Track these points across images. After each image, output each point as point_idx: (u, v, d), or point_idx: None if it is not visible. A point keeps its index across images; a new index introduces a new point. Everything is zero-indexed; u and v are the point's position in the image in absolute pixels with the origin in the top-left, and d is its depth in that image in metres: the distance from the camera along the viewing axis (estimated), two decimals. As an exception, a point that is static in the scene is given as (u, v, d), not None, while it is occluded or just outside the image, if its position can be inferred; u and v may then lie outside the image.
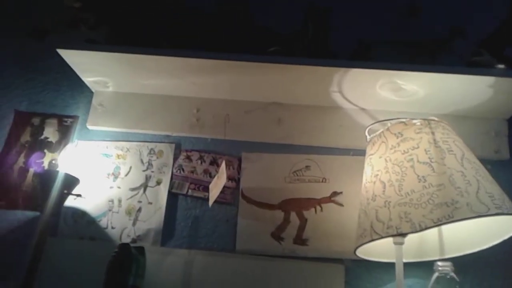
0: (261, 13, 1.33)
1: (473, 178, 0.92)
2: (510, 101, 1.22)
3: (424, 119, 1.04)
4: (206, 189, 1.25)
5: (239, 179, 1.28)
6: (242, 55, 1.18)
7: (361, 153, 1.19)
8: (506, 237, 0.97)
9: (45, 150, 1.32)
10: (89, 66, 1.27)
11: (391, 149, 1.03)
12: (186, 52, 1.19)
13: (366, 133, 1.13)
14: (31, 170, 1.29)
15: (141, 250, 1.03)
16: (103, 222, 1.25)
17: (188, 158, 1.31)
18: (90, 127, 1.36)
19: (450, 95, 1.23)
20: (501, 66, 1.14)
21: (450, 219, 0.87)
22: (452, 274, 0.91)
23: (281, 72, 1.20)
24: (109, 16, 1.31)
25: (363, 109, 1.33)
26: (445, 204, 0.89)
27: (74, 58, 1.25)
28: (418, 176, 0.95)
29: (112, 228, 1.24)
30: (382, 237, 0.94)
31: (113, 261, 0.97)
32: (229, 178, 1.26)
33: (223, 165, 1.19)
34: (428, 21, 1.32)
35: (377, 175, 1.03)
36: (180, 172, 1.29)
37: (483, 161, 1.01)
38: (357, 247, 1.02)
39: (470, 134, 1.20)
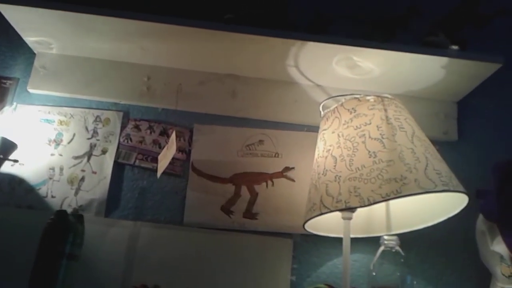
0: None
1: (422, 155, 0.93)
2: (461, 83, 1.24)
3: (378, 96, 1.04)
4: (155, 160, 1.21)
5: (190, 151, 1.25)
6: (193, 21, 1.12)
7: (315, 129, 1.18)
8: (450, 215, 1.00)
9: (-19, 113, 1.23)
10: (32, 24, 1.18)
11: (344, 124, 1.03)
12: (135, 14, 1.12)
13: (320, 109, 1.12)
14: (-36, 133, 1.20)
15: (79, 218, 0.98)
16: (42, 191, 1.18)
17: (137, 127, 1.26)
18: (31, 90, 1.27)
19: (404, 75, 1.23)
20: (455, 47, 1.15)
21: (398, 194, 0.87)
22: (398, 248, 0.92)
23: (238, 42, 1.16)
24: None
25: (319, 86, 1.32)
26: (394, 179, 0.89)
27: (15, 14, 1.15)
28: (369, 151, 0.95)
29: (52, 197, 1.17)
30: (331, 211, 0.94)
31: (48, 228, 0.91)
32: (179, 149, 1.22)
33: (173, 135, 1.15)
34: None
35: (329, 150, 1.02)
36: (127, 141, 1.24)
37: (432, 141, 1.03)
38: (306, 221, 1.02)
39: (421, 114, 1.21)
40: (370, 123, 0.99)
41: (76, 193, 1.18)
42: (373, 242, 1.10)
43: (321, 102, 1.14)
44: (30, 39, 1.26)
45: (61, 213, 0.95)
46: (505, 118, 1.34)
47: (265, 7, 1.18)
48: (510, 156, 1.13)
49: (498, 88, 1.32)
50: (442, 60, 1.15)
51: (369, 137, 0.97)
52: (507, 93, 1.36)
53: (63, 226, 0.92)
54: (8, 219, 1.12)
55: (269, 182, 1.23)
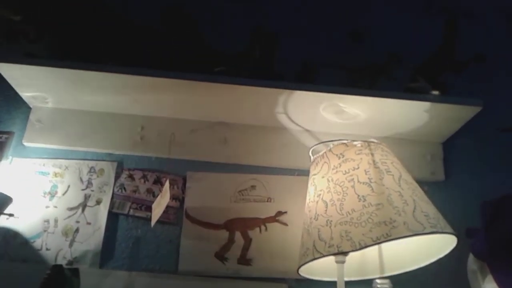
0: (209, 33, 1.34)
1: (410, 198, 0.96)
2: (444, 125, 1.29)
3: (364, 141, 1.07)
4: (149, 208, 1.22)
5: (183, 198, 1.26)
6: (185, 74, 1.17)
7: (305, 173, 1.21)
8: (441, 255, 1.01)
9: (-24, 167, 1.25)
10: (28, 80, 1.22)
11: (333, 169, 1.05)
12: (129, 69, 1.16)
13: (310, 154, 1.16)
14: (-40, 189, 1.21)
15: (75, 271, 0.98)
16: (37, 244, 1.18)
17: (131, 176, 1.28)
18: (26, 143, 1.30)
19: (389, 119, 1.28)
20: (435, 92, 1.20)
21: (388, 238, 0.89)
22: (390, 291, 0.93)
23: (227, 92, 1.21)
24: (51, 29, 1.27)
25: (307, 130, 1.36)
26: (383, 223, 0.91)
27: (11, 72, 1.19)
28: (359, 195, 0.97)
29: (47, 249, 1.17)
30: (324, 256, 0.95)
31: (45, 283, 0.91)
32: (173, 197, 1.24)
33: (167, 183, 1.17)
34: (369, 47, 1.38)
35: (320, 194, 1.04)
36: (121, 191, 1.25)
37: (420, 182, 1.06)
38: (299, 266, 1.03)
39: (408, 156, 1.25)
40: (358, 168, 1.02)
41: (70, 245, 1.18)
42: (368, 284, 1.10)
43: (311, 148, 1.17)
44: (25, 94, 1.29)
45: (57, 267, 0.95)
46: (489, 157, 1.38)
47: (254, 60, 1.23)
48: (496, 194, 1.16)
49: (481, 128, 1.36)
50: (424, 105, 1.20)
51: (358, 181, 1.00)
52: (489, 133, 1.40)
53: (59, 280, 0.92)
54: (2, 273, 1.12)
55: (262, 227, 1.24)
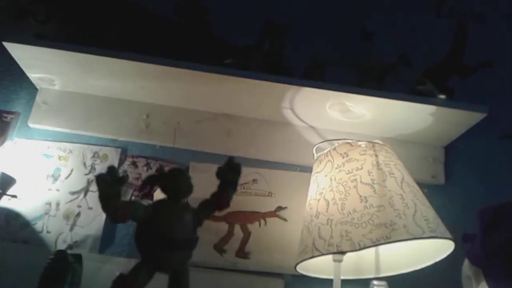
0: (220, 24, 1.33)
1: (411, 202, 0.97)
2: (448, 130, 1.29)
3: (369, 142, 1.08)
4: (151, 197, 1.22)
5: (185, 188, 1.27)
6: (194, 64, 1.17)
7: (308, 169, 1.22)
8: (438, 259, 1.02)
9: (-19, 146, 1.25)
10: (36, 62, 1.22)
11: (336, 168, 1.06)
12: (138, 56, 1.16)
13: (314, 151, 1.16)
14: (-37, 168, 1.22)
15: (78, 257, 0.99)
16: (38, 226, 1.19)
17: (134, 164, 1.28)
18: (31, 125, 1.30)
19: (394, 120, 1.28)
20: (442, 96, 1.20)
21: (388, 240, 0.90)
22: (387, 293, 0.95)
23: (235, 84, 1.21)
24: (61, 11, 1.26)
25: (312, 127, 1.36)
26: (384, 225, 0.92)
27: (20, 52, 1.19)
28: (361, 196, 0.98)
29: (48, 232, 1.18)
30: (322, 254, 0.96)
31: (48, 269, 0.93)
32: (175, 187, 1.24)
33: (170, 173, 1.17)
34: (379, 46, 1.38)
35: (322, 193, 1.05)
36: (124, 178, 1.26)
37: (420, 184, 1.07)
38: (297, 263, 1.04)
39: (410, 158, 1.26)
40: (361, 168, 1.03)
41: (71, 229, 1.19)
42: (363, 283, 1.12)
43: (315, 145, 1.17)
44: (33, 75, 1.29)
45: (61, 253, 0.96)
46: (490, 163, 1.38)
47: (263, 53, 1.23)
48: (495, 200, 1.17)
49: (484, 134, 1.37)
50: (430, 108, 1.20)
51: (361, 181, 1.00)
52: (492, 139, 1.41)
53: (62, 266, 0.94)
54: (3, 254, 1.13)
55: (262, 221, 1.25)
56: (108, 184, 0.77)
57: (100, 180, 0.77)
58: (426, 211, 0.97)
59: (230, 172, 0.95)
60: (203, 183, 1.26)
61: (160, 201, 0.88)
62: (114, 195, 0.78)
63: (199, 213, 0.91)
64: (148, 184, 0.89)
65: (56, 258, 0.94)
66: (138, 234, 0.84)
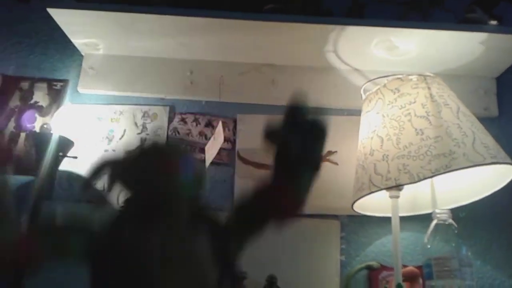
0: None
1: (469, 130, 0.95)
2: (500, 58, 1.25)
3: (420, 75, 1.06)
4: (202, 151, 1.25)
5: (234, 140, 1.29)
6: (235, 13, 1.16)
7: (355, 112, 1.21)
8: (499, 187, 1.01)
9: (36, 114, 1.29)
10: (80, 27, 1.24)
11: (388, 104, 1.05)
12: (178, 10, 1.17)
13: (362, 92, 1.15)
14: (23, 134, 1.27)
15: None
16: (99, 185, 1.23)
17: (183, 120, 1.31)
18: (81, 90, 1.34)
19: (441, 53, 1.24)
20: (493, 22, 1.15)
21: (448, 169, 0.90)
22: (450, 220, 0.94)
23: (276, 32, 1.20)
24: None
25: (356, 70, 1.34)
26: (442, 155, 0.91)
27: (64, 18, 1.21)
28: (416, 129, 0.97)
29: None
30: (381, 189, 0.97)
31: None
32: (225, 139, 1.26)
33: (220, 126, 1.19)
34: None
35: (375, 130, 1.05)
36: (175, 134, 1.29)
37: (473, 118, 1.04)
38: (355, 201, 1.05)
39: (460, 92, 1.20)
40: (414, 102, 1.01)
41: (131, 186, 1.23)
42: (418, 220, 1.12)
43: (362, 85, 1.16)
44: (78, 41, 1.32)
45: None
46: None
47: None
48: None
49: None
50: (480, 36, 1.16)
51: (415, 115, 0.99)
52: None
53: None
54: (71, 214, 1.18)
55: (314, 166, 1.26)
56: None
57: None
58: (485, 138, 0.95)
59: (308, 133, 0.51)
60: (251, 133, 1.29)
61: (133, 213, 0.46)
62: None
63: (231, 232, 0.46)
64: (94, 181, 0.48)
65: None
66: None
